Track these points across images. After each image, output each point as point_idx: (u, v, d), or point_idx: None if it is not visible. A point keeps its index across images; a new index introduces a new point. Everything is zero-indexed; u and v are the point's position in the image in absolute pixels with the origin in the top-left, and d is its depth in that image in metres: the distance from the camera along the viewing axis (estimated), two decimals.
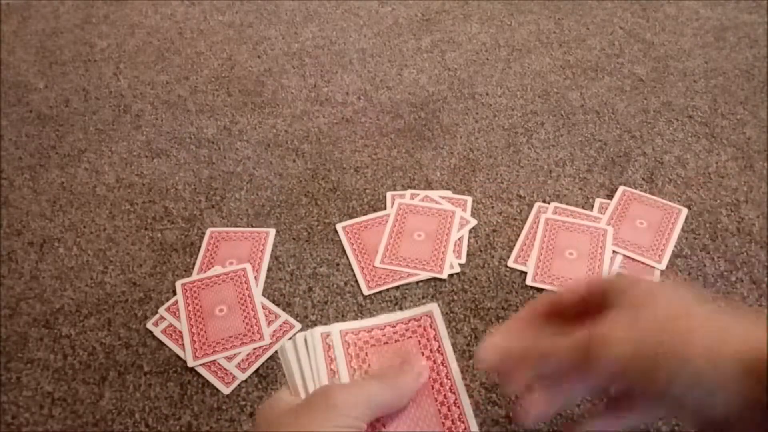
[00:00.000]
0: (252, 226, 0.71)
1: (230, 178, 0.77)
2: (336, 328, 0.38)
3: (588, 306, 0.34)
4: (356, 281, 0.64)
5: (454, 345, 0.58)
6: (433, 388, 0.37)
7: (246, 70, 0.94)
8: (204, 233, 0.70)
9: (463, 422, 0.36)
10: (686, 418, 0.30)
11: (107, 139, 0.83)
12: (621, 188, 0.73)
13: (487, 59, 0.94)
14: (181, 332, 0.60)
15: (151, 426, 0.54)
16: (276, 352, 0.58)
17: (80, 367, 0.58)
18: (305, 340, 0.37)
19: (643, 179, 0.74)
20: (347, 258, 0.67)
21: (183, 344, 0.59)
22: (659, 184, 0.74)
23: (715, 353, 0.28)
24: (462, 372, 0.56)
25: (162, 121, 0.85)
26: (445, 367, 0.38)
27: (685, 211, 0.70)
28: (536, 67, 0.92)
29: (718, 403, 0.28)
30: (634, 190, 0.73)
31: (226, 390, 0.56)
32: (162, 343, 0.60)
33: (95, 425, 0.54)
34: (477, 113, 0.84)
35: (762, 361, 0.27)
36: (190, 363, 0.57)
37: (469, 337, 0.59)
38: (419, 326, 0.39)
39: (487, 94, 0.88)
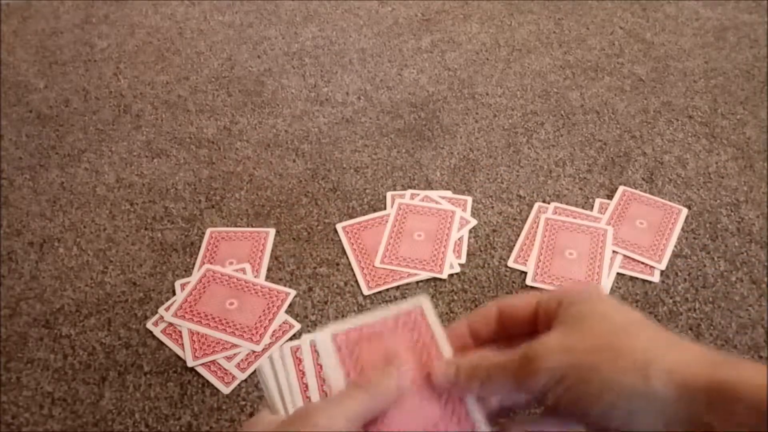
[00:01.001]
0: (252, 226, 0.71)
1: (230, 178, 0.77)
2: (327, 333, 0.38)
3: (536, 321, 0.35)
4: (356, 281, 0.64)
5: None
6: (430, 379, 0.37)
7: (246, 70, 0.94)
8: (204, 233, 0.70)
9: (463, 407, 0.36)
10: None
11: (107, 139, 0.83)
12: (621, 188, 0.73)
13: (487, 59, 0.94)
14: (180, 332, 0.60)
15: (151, 426, 0.54)
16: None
17: (80, 367, 0.58)
18: (278, 357, 0.37)
19: (643, 179, 0.74)
20: (347, 258, 0.67)
21: (183, 344, 0.59)
22: (659, 184, 0.74)
23: (648, 370, 0.28)
24: None
25: (162, 121, 0.85)
26: (440, 359, 0.38)
27: (685, 211, 0.70)
28: (536, 67, 0.92)
29: (644, 421, 0.28)
30: (634, 190, 0.73)
31: (226, 390, 0.56)
32: (162, 343, 0.60)
33: (95, 425, 0.54)
34: (477, 113, 0.84)
35: (695, 381, 0.27)
36: (190, 363, 0.57)
37: None
38: (410, 319, 0.40)
39: (487, 94, 0.88)
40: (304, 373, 0.36)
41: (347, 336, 0.38)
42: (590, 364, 0.30)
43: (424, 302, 0.39)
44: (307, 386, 0.36)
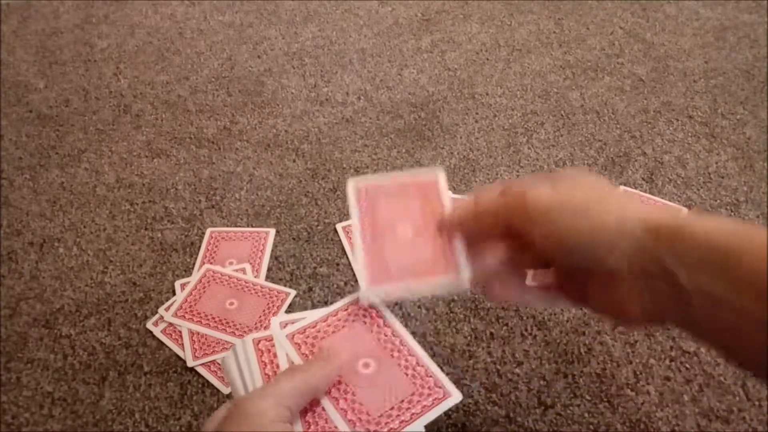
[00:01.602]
0: (252, 226, 0.71)
1: (230, 178, 0.77)
2: (281, 332, 0.39)
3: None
4: (356, 281, 0.64)
5: (453, 345, 0.58)
6: (393, 357, 0.39)
7: (246, 70, 0.94)
8: (204, 233, 0.70)
9: (430, 377, 0.38)
10: (578, 274, 0.35)
11: (107, 139, 0.83)
12: (621, 188, 0.73)
13: (487, 59, 0.94)
14: (180, 332, 0.60)
15: (151, 426, 0.54)
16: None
17: (80, 367, 0.58)
18: (240, 348, 0.38)
19: (643, 179, 0.74)
20: (347, 258, 0.67)
21: (183, 344, 0.59)
22: (659, 184, 0.74)
23: (623, 215, 0.33)
24: (462, 371, 0.56)
25: (162, 121, 0.85)
26: (397, 337, 0.40)
27: (685, 211, 0.70)
28: (536, 67, 0.92)
29: (613, 259, 0.33)
30: (634, 190, 0.73)
31: (226, 390, 0.56)
32: (162, 343, 0.60)
33: (95, 425, 0.54)
34: (477, 113, 0.84)
35: (658, 223, 0.32)
36: (190, 363, 0.57)
37: (469, 337, 0.59)
38: (359, 309, 0.42)
39: (487, 94, 0.88)
40: (266, 364, 0.38)
41: (305, 334, 0.40)
42: (579, 204, 0.34)
43: (368, 293, 0.41)
44: (269, 377, 0.37)
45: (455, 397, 0.37)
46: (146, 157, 0.80)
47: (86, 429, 0.54)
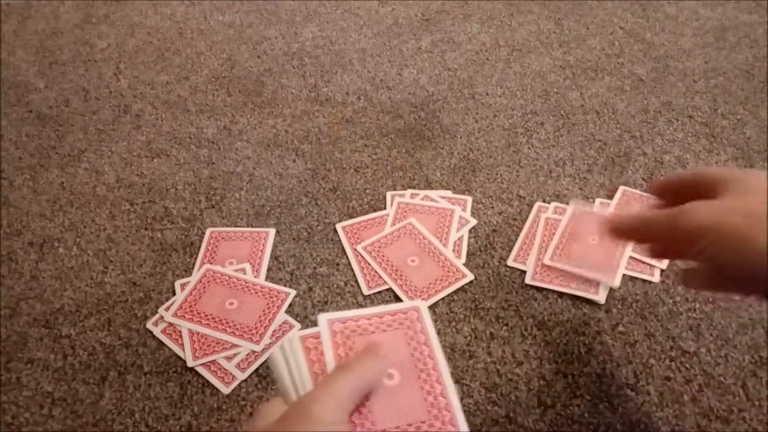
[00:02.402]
0: (252, 226, 0.71)
1: (230, 178, 0.77)
2: (323, 317, 0.39)
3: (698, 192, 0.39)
4: (356, 281, 0.64)
5: (453, 345, 0.58)
6: (419, 378, 0.38)
7: (246, 70, 0.94)
8: (204, 233, 0.70)
9: (449, 411, 0.36)
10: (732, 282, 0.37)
11: (107, 139, 0.83)
12: (621, 188, 0.73)
13: (487, 59, 0.94)
14: (180, 332, 0.60)
15: (151, 426, 0.54)
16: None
17: (80, 367, 0.58)
18: (287, 345, 0.37)
19: (643, 179, 0.74)
20: (347, 258, 0.67)
21: (183, 344, 0.59)
22: None
23: None
24: (462, 371, 0.56)
25: (162, 121, 0.85)
26: (432, 359, 0.38)
27: None
28: (536, 67, 0.92)
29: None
30: (634, 190, 0.73)
31: (225, 390, 0.56)
32: (162, 343, 0.60)
33: (95, 425, 0.54)
34: (477, 113, 0.84)
35: None
36: (190, 363, 0.57)
37: (469, 337, 0.59)
38: (406, 318, 0.40)
39: (487, 94, 0.88)
40: (313, 362, 0.37)
41: (345, 324, 0.39)
42: (743, 230, 0.33)
43: (421, 306, 0.39)
44: (317, 375, 0.36)
45: None
46: (146, 157, 0.80)
47: (86, 429, 0.54)
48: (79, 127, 0.85)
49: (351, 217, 0.71)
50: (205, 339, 0.59)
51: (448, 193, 0.73)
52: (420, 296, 0.62)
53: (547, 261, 0.64)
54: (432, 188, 0.74)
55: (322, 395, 0.33)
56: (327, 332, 0.38)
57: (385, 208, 0.72)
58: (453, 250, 0.67)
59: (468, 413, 0.53)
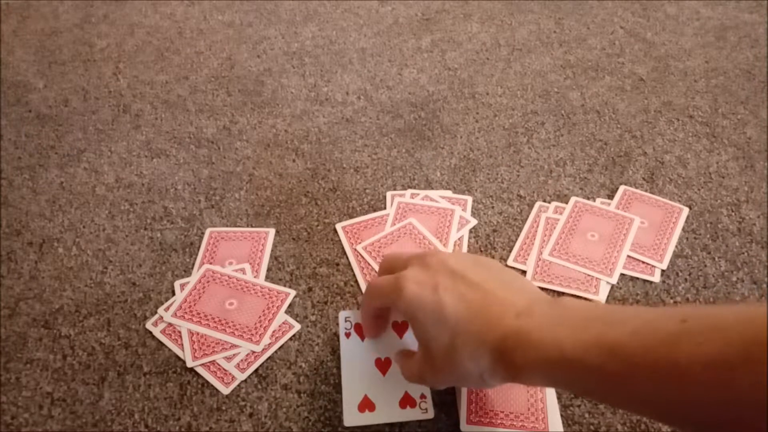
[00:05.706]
0: (252, 226, 0.71)
1: (230, 178, 0.76)
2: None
3: None
4: (356, 281, 0.64)
5: None
6: None
7: (246, 70, 0.94)
8: (203, 233, 0.70)
9: (543, 412, 0.50)
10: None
11: (107, 139, 0.83)
12: (622, 188, 0.73)
13: (488, 59, 0.94)
14: (180, 333, 0.60)
15: (150, 426, 0.54)
16: (276, 351, 0.58)
17: (80, 368, 0.58)
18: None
19: (643, 179, 0.74)
20: (347, 258, 0.67)
21: (182, 344, 0.59)
22: (660, 183, 0.74)
23: (481, 342, 0.40)
24: None
25: (162, 121, 0.85)
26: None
27: (686, 211, 0.70)
28: (536, 67, 0.92)
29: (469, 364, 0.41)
30: (635, 190, 0.72)
31: (225, 390, 0.56)
32: (161, 344, 0.59)
33: (95, 425, 0.54)
34: (477, 113, 0.84)
35: (507, 344, 0.38)
36: (190, 363, 0.57)
37: None
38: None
39: (488, 94, 0.87)
40: None
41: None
42: (426, 300, 0.43)
43: None
44: None
45: None
46: (146, 156, 0.80)
47: (86, 429, 0.54)
48: (78, 127, 0.85)
49: (351, 217, 0.71)
50: (205, 339, 0.59)
51: (449, 193, 0.73)
52: None
53: (546, 256, 0.64)
54: (432, 188, 0.74)
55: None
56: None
57: (385, 208, 0.72)
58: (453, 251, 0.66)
59: None
